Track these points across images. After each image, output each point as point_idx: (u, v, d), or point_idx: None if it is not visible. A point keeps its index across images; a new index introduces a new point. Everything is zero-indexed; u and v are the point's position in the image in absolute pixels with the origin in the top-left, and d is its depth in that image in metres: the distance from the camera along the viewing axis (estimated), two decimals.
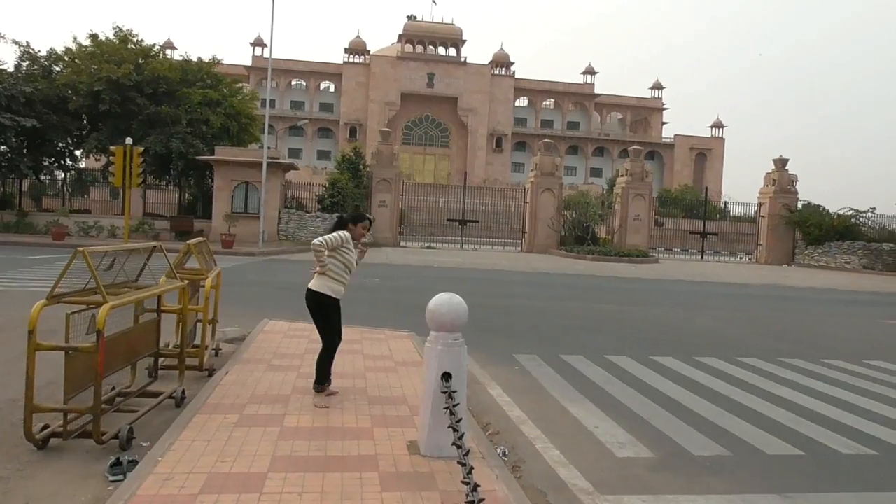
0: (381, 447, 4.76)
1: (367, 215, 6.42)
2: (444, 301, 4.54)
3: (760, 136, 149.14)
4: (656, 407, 6.95)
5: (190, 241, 7.72)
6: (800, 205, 35.82)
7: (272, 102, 77.35)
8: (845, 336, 12.79)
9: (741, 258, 38.97)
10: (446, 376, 4.53)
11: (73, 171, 35.76)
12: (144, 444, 5.11)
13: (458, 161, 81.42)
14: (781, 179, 35.62)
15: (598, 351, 9.75)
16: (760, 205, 36.70)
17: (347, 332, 9.36)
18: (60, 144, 32.52)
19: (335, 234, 6.05)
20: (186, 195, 34.32)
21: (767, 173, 36.57)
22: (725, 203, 42.61)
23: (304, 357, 7.67)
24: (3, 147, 29.76)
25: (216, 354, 8.42)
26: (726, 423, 6.50)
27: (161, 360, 7.14)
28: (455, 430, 3.97)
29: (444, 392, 4.36)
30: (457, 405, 4.22)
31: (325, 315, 6.04)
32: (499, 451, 5.38)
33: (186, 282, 7.81)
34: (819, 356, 10.16)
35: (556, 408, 6.78)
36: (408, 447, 4.79)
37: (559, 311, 13.83)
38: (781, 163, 35.85)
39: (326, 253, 5.95)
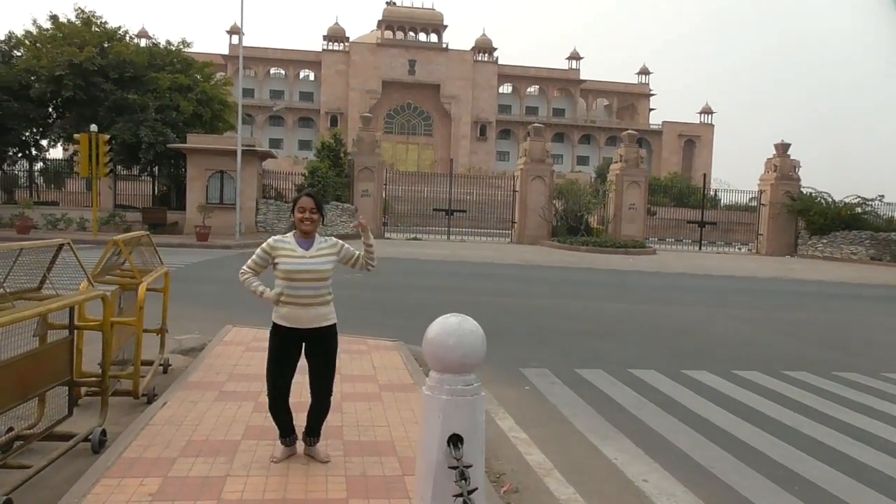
0: None
1: (307, 192, 4.37)
2: (452, 329, 3.02)
3: (751, 124, 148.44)
4: (710, 445, 5.50)
5: (119, 237, 6.14)
6: (803, 193, 34.44)
7: (250, 92, 75.65)
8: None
9: (739, 249, 37.71)
10: (455, 441, 3.03)
11: (40, 162, 33.82)
12: None
13: (441, 150, 79.68)
14: (783, 166, 34.27)
15: (619, 363, 8.30)
16: (761, 192, 35.33)
17: None
18: (25, 134, 30.61)
19: (257, 250, 4.29)
20: (159, 186, 32.48)
21: (768, 159, 35.17)
22: (715, 191, 41.20)
23: (264, 379, 6.13)
24: None
25: (164, 371, 6.90)
26: (808, 471, 5.06)
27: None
28: None
29: (454, 468, 2.87)
30: (473, 493, 2.73)
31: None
32: None
33: (116, 288, 6.31)
34: (877, 369, 8.77)
35: (586, 448, 5.31)
36: None
37: (563, 312, 12.37)
38: (783, 148, 34.50)
39: (254, 281, 4.21)
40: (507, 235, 34.35)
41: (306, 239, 4.18)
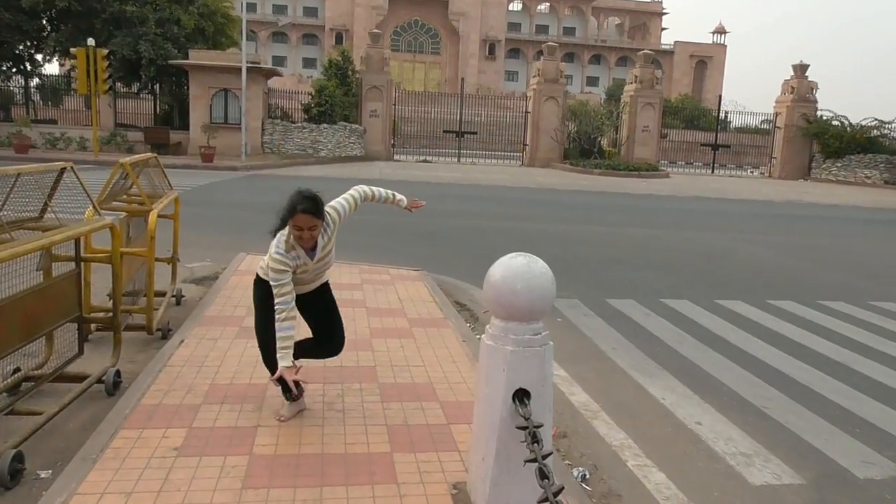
0: (411, 501, 2.95)
1: (302, 205, 3.30)
2: (519, 271, 2.61)
3: (765, 45, 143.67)
4: (759, 383, 5.19)
5: (126, 159, 5.68)
6: (819, 116, 33.40)
7: (253, 7, 72.85)
8: None
9: (751, 172, 36.92)
10: (522, 396, 2.67)
11: (36, 78, 32.78)
12: (43, 475, 3.32)
13: (449, 69, 77.56)
14: (800, 87, 33.09)
15: (650, 293, 7.95)
16: (776, 115, 34.30)
17: (343, 270, 7.54)
18: (18, 47, 29.50)
19: (278, 276, 3.41)
20: (161, 104, 31.56)
21: (785, 80, 33.95)
22: (726, 114, 39.81)
23: None
24: None
25: (178, 303, 6.57)
26: (867, 411, 4.76)
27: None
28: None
29: (523, 428, 2.52)
30: (547, 457, 2.39)
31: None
32: (577, 473, 3.62)
33: (124, 215, 5.90)
34: None
35: (631, 387, 5.00)
36: (453, 500, 2.99)
37: (584, 238, 11.97)
38: (801, 69, 33.23)
39: (290, 343, 3.38)
40: (518, 158, 33.59)
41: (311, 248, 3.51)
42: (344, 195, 3.73)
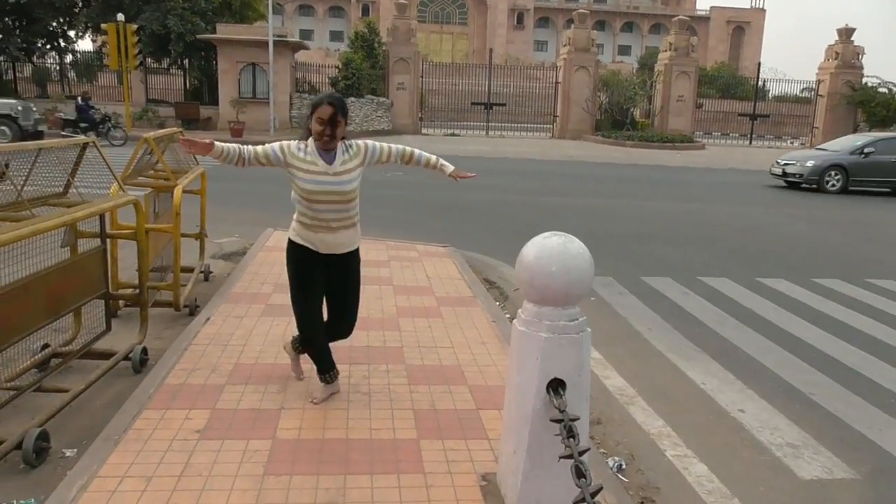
0: (438, 493, 2.82)
1: (328, 97, 3.37)
2: (555, 252, 2.42)
3: (805, 9, 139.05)
4: (806, 368, 4.95)
5: (150, 134, 5.57)
6: (865, 83, 32.18)
7: None
8: None
9: (790, 143, 35.87)
10: (556, 386, 2.50)
11: (69, 54, 33.07)
12: (68, 454, 3.26)
13: (476, 40, 76.45)
14: (845, 53, 31.86)
15: (687, 270, 7.70)
16: (818, 82, 33.14)
17: (369, 246, 7.39)
18: (52, 24, 29.72)
19: (273, 144, 3.46)
20: (190, 80, 31.61)
21: (829, 46, 32.72)
22: (764, 81, 38.46)
23: None
24: None
25: (206, 279, 6.51)
26: None
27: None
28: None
29: (558, 421, 2.36)
30: (584, 453, 2.23)
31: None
32: (612, 464, 3.46)
33: (149, 191, 5.81)
34: None
35: (669, 371, 4.80)
36: (482, 492, 2.84)
37: (617, 212, 11.68)
38: (846, 33, 31.97)
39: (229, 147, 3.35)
40: (547, 130, 33.05)
41: (329, 151, 3.39)
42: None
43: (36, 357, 4.19)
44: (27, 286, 3.62)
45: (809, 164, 17.02)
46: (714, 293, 6.83)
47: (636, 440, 3.74)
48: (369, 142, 3.58)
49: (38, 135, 19.62)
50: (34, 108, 20.95)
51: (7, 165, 3.82)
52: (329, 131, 3.30)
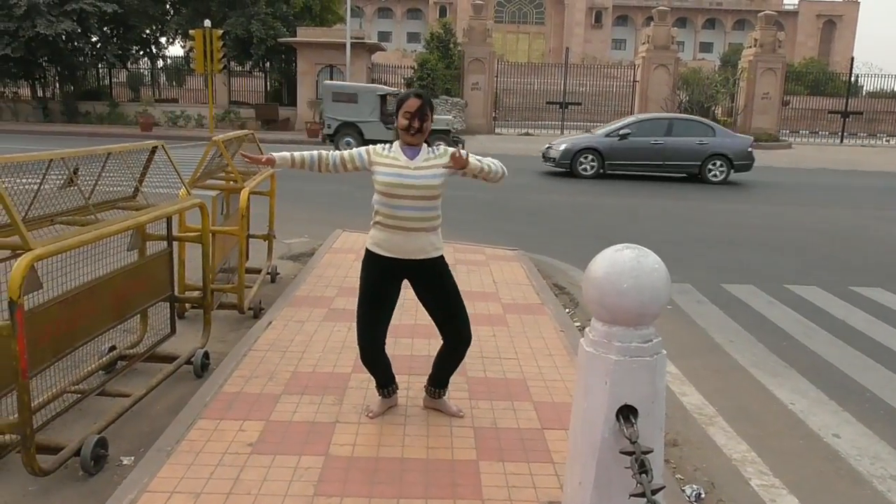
0: None
1: (415, 91, 3.37)
2: (627, 267, 2.18)
3: None
4: None
5: (219, 137, 5.59)
6: None
7: None
8: None
9: (887, 141, 33.78)
10: (628, 414, 2.27)
11: (162, 59, 34.65)
12: (125, 461, 3.24)
13: (553, 39, 75.54)
14: None
15: (773, 278, 7.21)
16: None
17: None
18: (146, 32, 31.14)
19: (360, 147, 3.40)
20: (271, 82, 32.44)
21: None
22: (857, 77, 36.14)
23: None
24: (92, 37, 28.40)
25: (273, 280, 6.52)
26: None
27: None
28: None
29: (629, 453, 2.13)
30: (658, 491, 1.99)
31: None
32: (690, 492, 3.18)
33: (218, 193, 5.84)
34: None
35: (753, 388, 4.45)
36: None
37: (696, 215, 11.15)
38: None
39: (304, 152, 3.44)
40: None
41: (412, 147, 3.29)
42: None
43: (102, 360, 4.23)
44: (93, 289, 3.63)
45: (562, 147, 15.85)
46: (802, 302, 6.36)
47: (717, 466, 3.43)
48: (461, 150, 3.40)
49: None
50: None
51: (76, 171, 3.84)
52: (417, 124, 3.23)
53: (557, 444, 3.18)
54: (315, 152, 3.44)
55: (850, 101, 33.60)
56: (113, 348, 4.44)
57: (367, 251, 3.38)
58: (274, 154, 3.40)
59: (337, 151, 3.43)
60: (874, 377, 4.65)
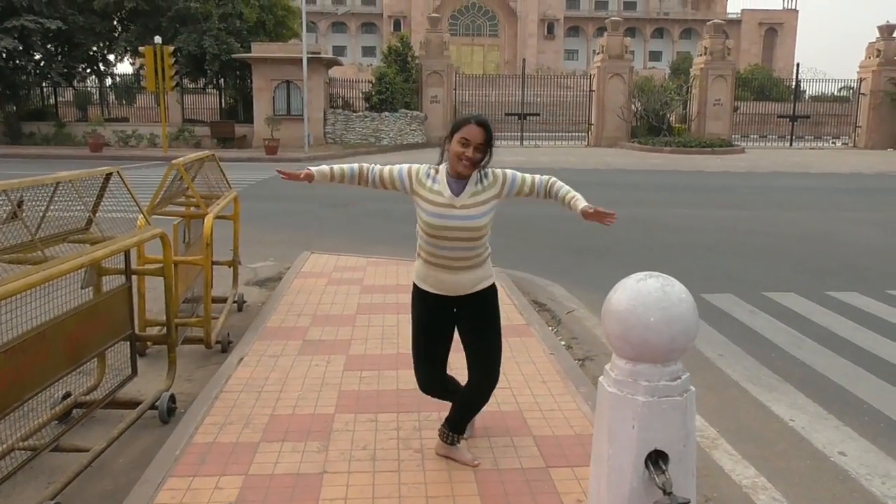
0: None
1: (477, 118, 2.96)
2: (652, 299, 1.98)
3: (839, 9, 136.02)
4: None
5: (179, 160, 5.26)
6: None
7: None
8: None
9: (833, 143, 34.73)
10: (657, 459, 2.06)
11: (111, 77, 33.64)
12: None
13: (507, 51, 76.21)
14: (887, 49, 30.75)
15: (749, 285, 7.15)
16: (860, 80, 32.11)
17: (400, 269, 6.99)
18: (93, 48, 30.20)
19: (403, 165, 3.15)
20: (226, 99, 31.81)
21: (870, 43, 31.66)
22: (798, 82, 37.09)
23: (355, 322, 5.32)
24: (35, 54, 27.42)
25: (239, 309, 6.19)
26: None
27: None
28: None
29: None
30: None
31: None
32: None
33: (179, 220, 5.50)
34: None
35: (751, 405, 4.30)
36: None
37: (664, 222, 11.13)
38: (888, 30, 30.87)
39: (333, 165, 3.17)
40: (581, 138, 32.48)
41: (459, 179, 2.97)
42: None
43: (56, 409, 3.87)
44: (43, 335, 3.29)
45: None
46: (783, 310, 6.28)
47: (728, 495, 3.25)
48: (509, 171, 3.11)
49: None
50: None
51: (21, 203, 3.50)
52: (471, 155, 2.89)
53: (566, 483, 2.95)
54: (355, 165, 3.17)
55: (796, 105, 34.45)
56: (68, 395, 4.08)
57: (415, 286, 3.14)
58: (312, 168, 3.13)
59: (378, 166, 3.16)
60: (869, 388, 4.55)
